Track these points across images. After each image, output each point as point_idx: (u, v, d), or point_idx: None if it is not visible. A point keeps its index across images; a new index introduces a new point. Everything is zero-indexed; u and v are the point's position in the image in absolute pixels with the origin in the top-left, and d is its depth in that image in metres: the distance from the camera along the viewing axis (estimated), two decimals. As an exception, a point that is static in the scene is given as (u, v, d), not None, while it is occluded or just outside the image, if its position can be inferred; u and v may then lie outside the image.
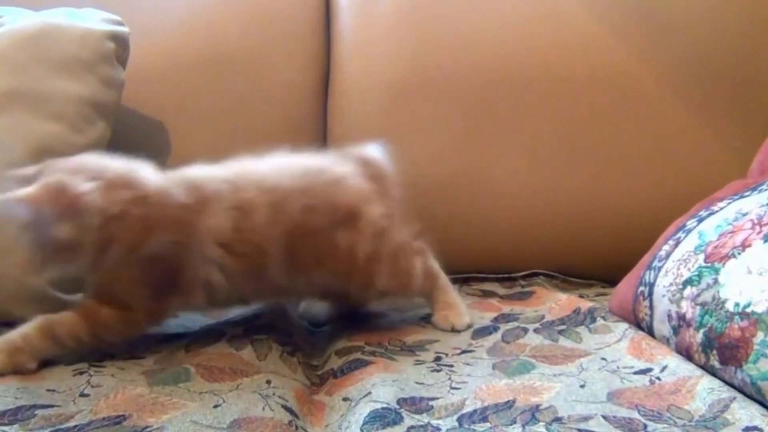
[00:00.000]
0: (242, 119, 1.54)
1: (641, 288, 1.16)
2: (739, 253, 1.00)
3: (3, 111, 1.21)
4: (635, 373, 0.98)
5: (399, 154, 1.48)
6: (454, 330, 1.19)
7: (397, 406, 0.89)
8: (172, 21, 1.58)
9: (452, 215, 1.48)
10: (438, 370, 1.03)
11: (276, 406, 0.90)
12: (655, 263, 1.16)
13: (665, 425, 0.84)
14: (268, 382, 0.97)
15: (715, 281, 1.01)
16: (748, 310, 0.93)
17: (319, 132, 1.58)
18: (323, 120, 1.59)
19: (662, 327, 1.09)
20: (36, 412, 0.87)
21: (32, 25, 1.29)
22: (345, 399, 0.95)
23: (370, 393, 0.93)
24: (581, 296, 1.35)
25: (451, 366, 1.04)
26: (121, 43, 1.36)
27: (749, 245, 1.00)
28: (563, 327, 1.18)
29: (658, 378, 0.96)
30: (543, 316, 1.23)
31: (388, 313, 1.29)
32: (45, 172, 1.01)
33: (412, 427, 0.85)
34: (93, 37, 1.32)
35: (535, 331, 1.17)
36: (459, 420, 0.87)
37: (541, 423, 0.85)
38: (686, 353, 1.02)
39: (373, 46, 1.58)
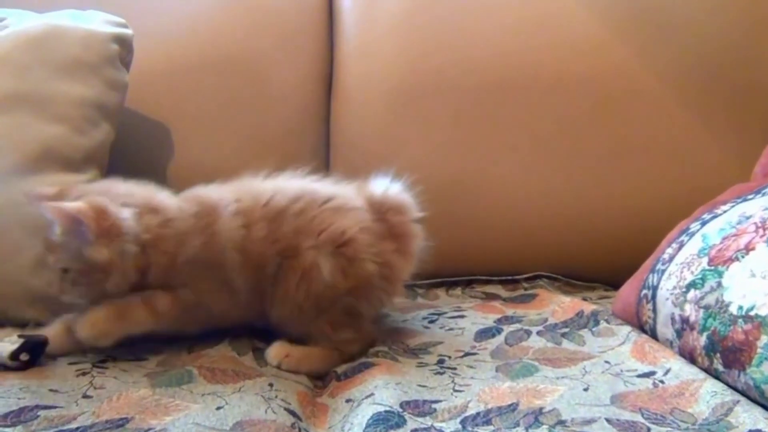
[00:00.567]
0: (245, 121, 1.54)
1: (644, 291, 1.16)
2: (743, 256, 1.00)
3: (7, 113, 1.22)
4: (638, 376, 0.98)
5: (401, 155, 1.49)
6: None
7: (400, 409, 0.89)
8: (176, 23, 1.58)
9: (455, 217, 1.48)
10: (441, 373, 1.03)
11: (279, 409, 0.90)
12: (659, 266, 1.16)
13: (669, 428, 0.84)
14: (271, 384, 0.97)
15: (719, 284, 1.00)
16: (752, 313, 0.93)
17: (321, 133, 1.58)
18: (326, 121, 1.59)
19: (665, 330, 1.08)
20: (39, 413, 0.87)
21: (36, 27, 1.29)
22: (348, 401, 0.95)
23: (372, 394, 0.93)
24: (584, 299, 1.35)
25: (454, 369, 1.04)
26: (124, 45, 1.36)
27: (753, 248, 1.00)
28: (566, 330, 1.18)
29: (662, 381, 0.96)
30: (546, 319, 1.23)
31: (390, 315, 1.29)
32: (70, 194, 1.03)
33: (416, 429, 0.84)
34: (97, 40, 1.32)
35: (539, 333, 1.17)
36: (462, 423, 0.87)
37: (545, 426, 0.85)
38: (690, 356, 1.02)
39: (375, 48, 1.58)
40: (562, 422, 0.85)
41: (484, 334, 1.19)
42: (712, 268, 1.04)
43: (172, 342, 1.12)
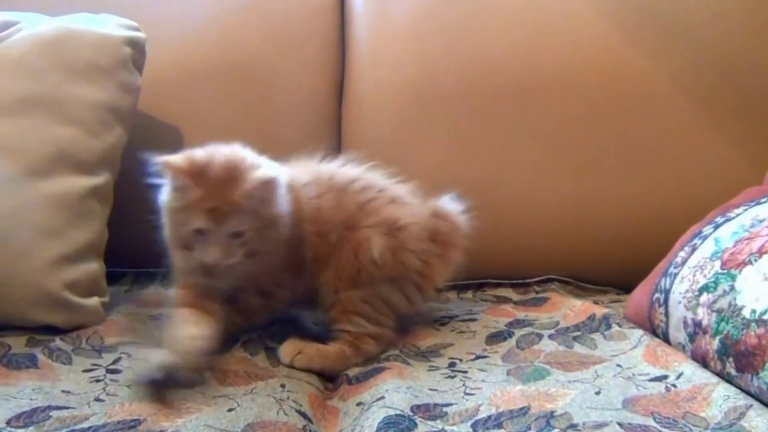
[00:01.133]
0: (257, 125, 1.54)
1: (657, 295, 1.15)
2: (756, 260, 1.00)
3: (21, 116, 1.22)
4: (651, 380, 0.98)
5: (413, 159, 1.48)
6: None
7: (411, 413, 0.89)
8: (189, 27, 1.59)
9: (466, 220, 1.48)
10: (452, 376, 1.03)
11: (290, 411, 0.90)
12: (671, 270, 1.15)
13: (681, 433, 0.83)
14: (282, 386, 0.97)
15: (732, 288, 1.00)
16: (765, 317, 0.92)
17: (333, 138, 1.58)
18: (338, 125, 1.59)
19: (678, 334, 1.08)
20: (51, 414, 0.87)
21: (50, 30, 1.30)
22: (358, 404, 0.95)
23: (383, 398, 0.93)
24: (596, 303, 1.34)
25: (465, 372, 1.04)
26: (137, 48, 1.37)
27: (766, 252, 0.99)
28: (578, 333, 1.17)
29: (674, 385, 0.95)
30: (558, 323, 1.23)
31: (402, 316, 1.29)
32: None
33: (425, 433, 0.85)
34: (110, 43, 1.33)
35: (550, 337, 1.17)
36: (473, 426, 0.87)
37: (556, 430, 0.84)
38: (702, 360, 1.01)
39: (387, 53, 1.59)
40: (573, 426, 0.85)
41: (496, 337, 1.19)
42: (725, 271, 1.03)
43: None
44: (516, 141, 1.51)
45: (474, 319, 1.27)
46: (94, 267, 1.24)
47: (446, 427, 0.86)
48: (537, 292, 1.43)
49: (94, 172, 1.26)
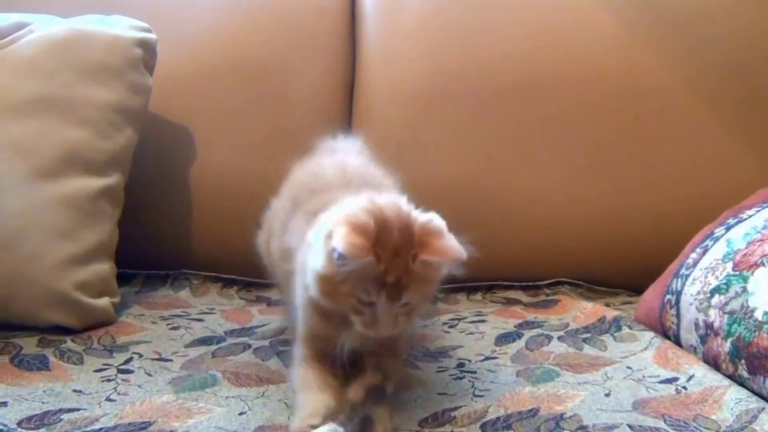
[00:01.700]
0: (267, 124, 1.54)
1: (668, 296, 1.15)
2: (768, 262, 0.99)
3: (33, 116, 1.23)
4: (661, 382, 0.97)
5: (423, 158, 1.48)
6: None
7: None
8: (199, 28, 1.59)
9: (476, 221, 1.45)
10: (461, 378, 1.02)
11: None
12: (683, 271, 1.15)
13: (692, 435, 0.83)
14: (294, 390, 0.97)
15: (744, 290, 1.00)
16: (777, 319, 0.92)
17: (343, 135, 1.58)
18: (348, 124, 1.59)
19: (689, 336, 1.08)
20: (62, 417, 0.88)
21: (61, 31, 1.30)
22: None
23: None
24: (607, 305, 1.34)
25: (474, 373, 1.04)
26: (148, 49, 1.38)
27: (778, 254, 0.99)
28: (588, 335, 1.17)
29: (685, 387, 0.95)
30: (567, 324, 1.23)
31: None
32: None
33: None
34: (121, 44, 1.34)
35: (560, 339, 1.16)
36: (482, 428, 0.87)
37: (566, 431, 0.84)
38: (714, 362, 1.01)
39: (397, 52, 1.58)
40: (583, 428, 0.85)
41: (505, 338, 1.18)
42: (737, 273, 1.03)
43: (197, 344, 1.14)
44: (525, 140, 1.50)
45: (483, 321, 1.27)
46: (104, 267, 1.24)
47: (455, 430, 0.86)
48: (547, 295, 1.43)
49: (105, 172, 1.27)
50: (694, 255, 1.15)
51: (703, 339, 1.04)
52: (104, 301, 1.21)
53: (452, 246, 0.88)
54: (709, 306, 1.04)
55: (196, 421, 0.86)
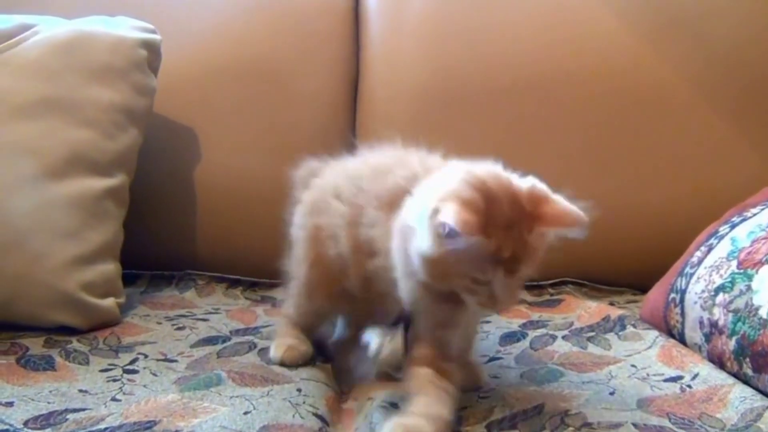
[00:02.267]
0: (271, 125, 1.55)
1: (672, 295, 1.15)
2: (773, 260, 0.99)
3: (38, 118, 1.23)
4: (666, 380, 0.97)
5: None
6: None
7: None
8: (203, 29, 1.59)
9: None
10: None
11: (307, 414, 0.90)
12: (687, 270, 1.15)
13: (696, 434, 0.83)
14: (299, 390, 0.97)
15: (748, 288, 0.99)
16: (782, 317, 0.92)
17: (348, 136, 1.58)
18: (352, 126, 1.59)
19: (694, 334, 1.08)
20: (68, 417, 0.88)
21: (66, 33, 1.31)
22: (369, 398, 0.95)
23: (396, 403, 0.93)
24: (611, 304, 1.34)
25: (479, 373, 1.04)
26: (152, 50, 1.38)
27: (783, 252, 0.99)
28: (592, 334, 1.17)
29: (689, 386, 0.95)
30: (572, 323, 1.23)
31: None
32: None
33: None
34: (125, 45, 1.34)
35: (564, 338, 1.16)
36: (488, 427, 0.87)
37: (571, 428, 0.84)
38: (718, 361, 1.01)
39: (401, 53, 1.59)
40: (588, 425, 0.85)
41: (509, 338, 1.18)
42: (742, 271, 1.03)
43: (202, 344, 1.14)
44: (529, 139, 1.51)
45: (487, 320, 1.27)
46: (110, 268, 1.25)
47: (461, 429, 0.86)
48: (551, 294, 1.43)
49: (110, 173, 1.28)
50: (698, 253, 1.15)
51: (708, 337, 1.04)
52: (110, 302, 1.22)
53: (569, 211, 0.87)
54: (714, 304, 1.04)
55: (200, 420, 0.86)
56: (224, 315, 1.30)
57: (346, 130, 1.59)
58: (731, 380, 0.94)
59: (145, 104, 1.36)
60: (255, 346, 1.13)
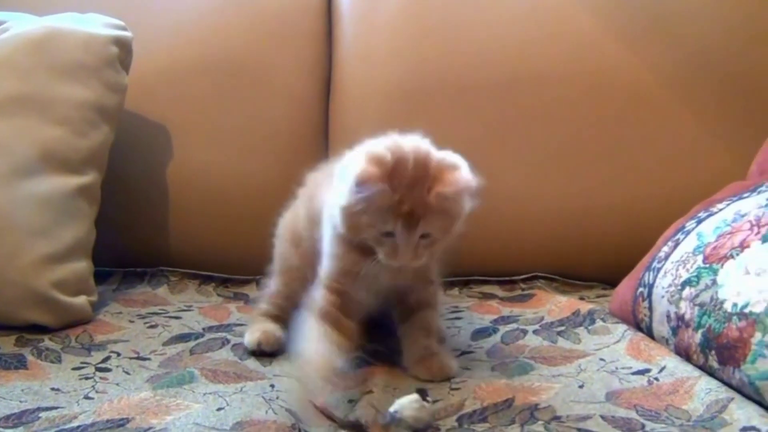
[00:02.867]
0: (244, 122, 1.55)
1: (641, 289, 1.16)
2: (738, 254, 1.01)
3: (9, 115, 1.23)
4: (633, 373, 0.99)
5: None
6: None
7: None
8: (175, 26, 1.59)
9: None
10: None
11: (280, 410, 0.90)
12: (655, 264, 1.16)
13: (663, 425, 0.84)
14: (272, 386, 0.97)
15: (714, 282, 1.01)
16: (746, 310, 0.93)
17: (320, 137, 1.58)
18: (324, 124, 1.60)
19: (661, 328, 1.09)
20: (40, 415, 0.88)
21: (37, 30, 1.30)
22: (350, 401, 0.95)
23: (371, 392, 0.94)
24: (582, 298, 1.36)
25: (452, 367, 1.05)
26: (124, 48, 1.38)
27: (747, 246, 1.00)
28: (562, 328, 1.18)
29: (656, 378, 0.96)
30: (542, 318, 1.24)
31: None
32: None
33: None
34: (97, 42, 1.33)
35: (535, 332, 1.18)
36: (458, 420, 0.88)
37: (540, 422, 0.86)
38: (685, 354, 1.02)
39: (374, 51, 1.59)
40: (557, 418, 0.86)
41: (481, 333, 1.19)
42: (708, 265, 1.04)
43: (175, 342, 1.14)
44: (502, 137, 1.51)
45: (460, 317, 1.28)
46: (82, 266, 1.24)
47: (432, 422, 0.87)
48: (523, 289, 1.45)
49: (81, 171, 1.27)
50: (665, 248, 1.17)
51: (675, 331, 1.06)
52: (82, 300, 1.21)
53: (462, 177, 0.96)
54: (681, 298, 1.05)
55: (173, 417, 0.87)
56: (197, 312, 1.30)
57: (320, 127, 1.59)
58: (697, 373, 0.96)
59: (117, 101, 1.36)
60: (228, 343, 1.14)
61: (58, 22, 1.34)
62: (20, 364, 1.03)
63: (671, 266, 1.12)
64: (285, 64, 1.60)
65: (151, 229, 1.51)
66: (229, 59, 1.57)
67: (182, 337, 1.16)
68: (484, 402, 0.92)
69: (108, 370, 1.03)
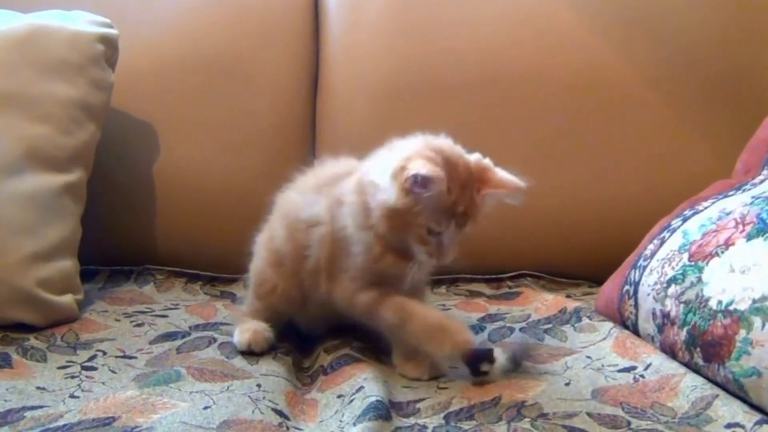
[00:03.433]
0: (231, 120, 1.54)
1: (626, 287, 1.17)
2: (723, 252, 1.01)
3: (-7, 113, 1.22)
4: (619, 371, 0.99)
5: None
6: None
7: (389, 405, 0.90)
8: (162, 24, 1.58)
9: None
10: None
11: (266, 409, 0.90)
12: (640, 262, 1.17)
13: (649, 422, 0.85)
14: (259, 386, 0.97)
15: (699, 280, 1.02)
16: (731, 307, 0.94)
17: (307, 133, 1.58)
18: (312, 121, 1.60)
19: (647, 325, 1.10)
20: (25, 414, 0.87)
21: (22, 27, 1.29)
22: (339, 396, 0.96)
23: (362, 387, 0.94)
24: (569, 296, 1.36)
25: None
26: (110, 45, 1.37)
27: (732, 244, 1.01)
28: (549, 326, 1.19)
29: (642, 376, 0.97)
30: (529, 316, 1.24)
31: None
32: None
33: (399, 428, 0.86)
34: (82, 40, 1.33)
35: (521, 330, 1.18)
36: (446, 418, 0.88)
37: (527, 419, 0.86)
38: (671, 351, 1.03)
39: (361, 50, 1.59)
40: (543, 415, 0.86)
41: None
42: (693, 263, 1.05)
43: (161, 340, 1.14)
44: (487, 134, 1.51)
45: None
46: (67, 264, 1.24)
47: (418, 421, 0.87)
48: (510, 287, 1.45)
49: (67, 169, 1.26)
50: (651, 246, 1.17)
51: (660, 328, 1.06)
52: (67, 298, 1.21)
53: (510, 178, 1.01)
54: (666, 296, 1.06)
55: (160, 416, 0.86)
56: (183, 310, 1.30)
57: (307, 125, 1.59)
58: (683, 370, 0.96)
59: (103, 99, 1.35)
60: (215, 341, 1.13)
61: (43, 19, 1.33)
62: (5, 363, 1.03)
63: (657, 264, 1.12)
64: (272, 62, 1.60)
65: (137, 228, 1.51)
66: (215, 57, 1.57)
67: (169, 336, 1.16)
68: (471, 400, 0.92)
69: (94, 368, 1.02)
